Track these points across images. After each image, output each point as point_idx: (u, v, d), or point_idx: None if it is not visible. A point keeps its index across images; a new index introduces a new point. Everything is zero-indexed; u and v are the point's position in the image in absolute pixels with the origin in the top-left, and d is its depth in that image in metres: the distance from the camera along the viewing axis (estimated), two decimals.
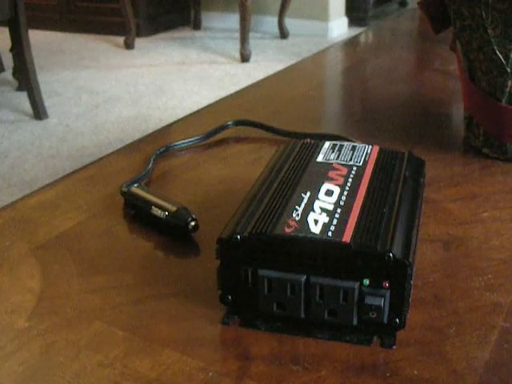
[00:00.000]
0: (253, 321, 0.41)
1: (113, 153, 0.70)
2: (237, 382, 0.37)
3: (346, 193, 0.43)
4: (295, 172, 0.47)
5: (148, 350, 0.39)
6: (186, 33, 3.74)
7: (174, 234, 0.52)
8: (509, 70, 0.59)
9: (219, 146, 0.70)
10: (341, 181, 0.45)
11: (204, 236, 0.52)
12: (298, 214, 0.40)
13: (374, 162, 0.49)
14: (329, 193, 0.43)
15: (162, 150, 0.68)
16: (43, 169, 1.98)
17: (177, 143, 0.70)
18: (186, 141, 0.70)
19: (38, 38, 3.53)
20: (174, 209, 0.51)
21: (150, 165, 0.63)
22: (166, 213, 0.51)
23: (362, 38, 1.29)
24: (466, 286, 0.45)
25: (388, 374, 0.37)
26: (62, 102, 2.59)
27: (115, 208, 0.57)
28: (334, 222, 0.40)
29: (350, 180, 0.45)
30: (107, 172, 0.65)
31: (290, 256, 0.39)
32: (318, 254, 0.38)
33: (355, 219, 0.40)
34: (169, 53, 3.32)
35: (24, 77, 2.32)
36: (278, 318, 0.41)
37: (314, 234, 0.39)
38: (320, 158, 0.49)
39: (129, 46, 3.38)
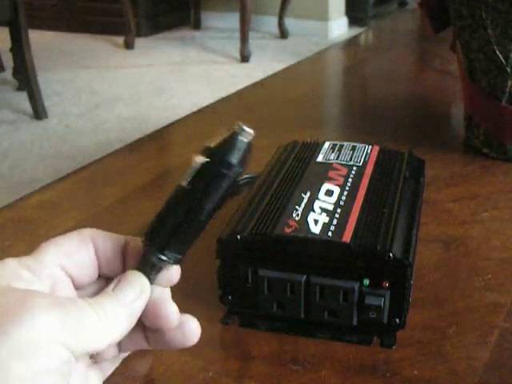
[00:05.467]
0: (253, 321, 0.41)
1: (113, 153, 0.70)
2: (237, 382, 0.37)
3: (345, 193, 0.43)
4: (295, 172, 0.47)
5: (148, 350, 0.39)
6: (186, 33, 3.73)
7: None
8: (509, 69, 0.59)
9: None
10: (341, 181, 0.45)
11: (204, 236, 0.52)
12: (297, 214, 0.40)
13: (374, 162, 0.48)
14: (329, 193, 0.43)
15: None
16: (43, 169, 1.98)
17: None
18: None
19: (38, 38, 3.53)
20: None
21: None
22: None
23: (362, 38, 1.29)
24: (466, 285, 0.45)
25: (388, 374, 0.37)
26: (62, 102, 2.59)
27: (115, 208, 0.57)
28: (334, 221, 0.40)
29: (350, 180, 0.45)
30: (107, 172, 0.65)
31: (290, 256, 0.39)
32: (318, 254, 0.38)
33: (355, 219, 0.40)
34: (169, 53, 3.32)
35: (24, 77, 2.32)
36: (277, 318, 0.41)
37: (313, 233, 0.39)
38: (320, 158, 0.49)
39: (129, 45, 3.38)
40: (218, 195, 0.28)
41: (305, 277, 0.39)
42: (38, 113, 2.36)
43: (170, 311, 0.30)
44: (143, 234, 0.29)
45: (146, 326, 0.30)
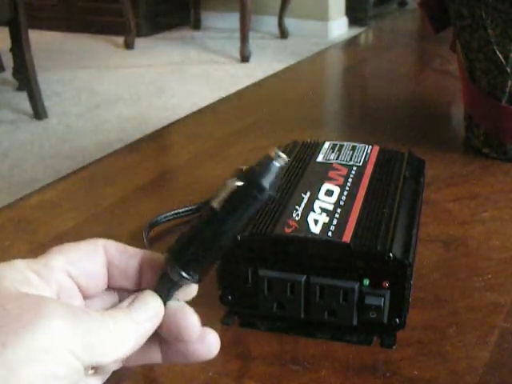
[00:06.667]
0: (253, 321, 0.41)
1: (113, 153, 0.70)
2: (237, 382, 0.37)
3: (345, 193, 0.43)
4: (295, 172, 0.47)
5: None
6: (186, 33, 3.73)
7: None
8: (509, 69, 0.59)
9: (219, 146, 0.70)
10: (341, 181, 0.45)
11: None
12: (297, 214, 0.40)
13: (374, 162, 0.48)
14: (329, 193, 0.43)
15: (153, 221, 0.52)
16: (43, 169, 1.98)
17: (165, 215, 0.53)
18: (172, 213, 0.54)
19: (38, 38, 3.53)
20: None
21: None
22: None
23: (362, 38, 1.29)
24: (466, 285, 0.45)
25: (388, 374, 0.37)
26: (62, 102, 2.59)
27: (115, 208, 0.57)
28: (334, 221, 0.40)
29: (350, 180, 0.45)
30: (107, 172, 0.65)
31: (290, 256, 0.39)
32: (318, 254, 0.38)
33: (355, 219, 0.40)
34: (169, 53, 3.32)
35: (24, 77, 2.31)
36: (277, 318, 0.41)
37: (313, 233, 0.39)
38: (320, 158, 0.49)
39: (129, 45, 3.37)
40: (247, 218, 0.28)
41: (305, 277, 0.39)
42: (38, 113, 2.36)
43: (192, 322, 0.30)
44: (167, 251, 0.29)
45: (162, 339, 0.30)
